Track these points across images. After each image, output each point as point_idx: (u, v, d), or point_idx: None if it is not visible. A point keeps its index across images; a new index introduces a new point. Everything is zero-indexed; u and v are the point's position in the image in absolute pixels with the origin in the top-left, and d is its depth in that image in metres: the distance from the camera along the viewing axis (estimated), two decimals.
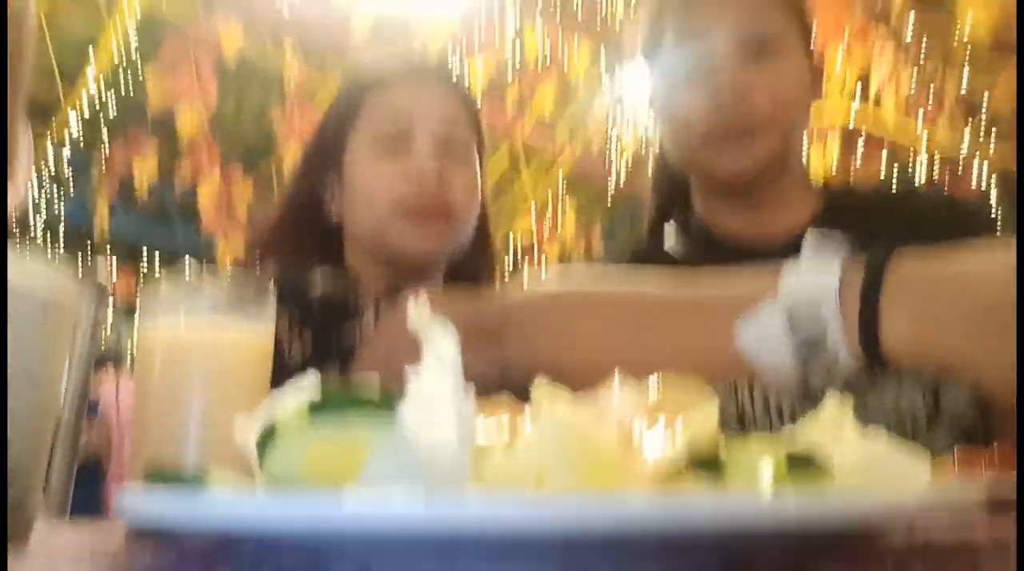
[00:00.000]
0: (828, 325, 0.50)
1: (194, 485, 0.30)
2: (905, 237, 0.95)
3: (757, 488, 0.26)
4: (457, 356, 0.28)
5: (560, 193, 8.96)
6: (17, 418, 0.40)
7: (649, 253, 1.07)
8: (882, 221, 0.97)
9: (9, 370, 0.40)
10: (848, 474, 0.30)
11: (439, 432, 0.27)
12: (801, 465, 0.27)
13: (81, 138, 6.72)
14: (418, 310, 0.29)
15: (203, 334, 0.53)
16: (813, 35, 1.04)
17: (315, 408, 0.28)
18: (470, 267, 1.06)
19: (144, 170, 6.82)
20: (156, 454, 0.52)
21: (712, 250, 1.00)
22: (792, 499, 0.24)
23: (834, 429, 0.34)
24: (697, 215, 1.04)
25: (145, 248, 10.13)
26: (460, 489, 0.25)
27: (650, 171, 1.16)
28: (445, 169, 0.93)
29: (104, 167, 7.08)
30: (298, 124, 6.50)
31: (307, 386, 0.32)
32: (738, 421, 0.85)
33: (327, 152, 0.98)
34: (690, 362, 0.58)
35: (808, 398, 0.81)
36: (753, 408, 0.85)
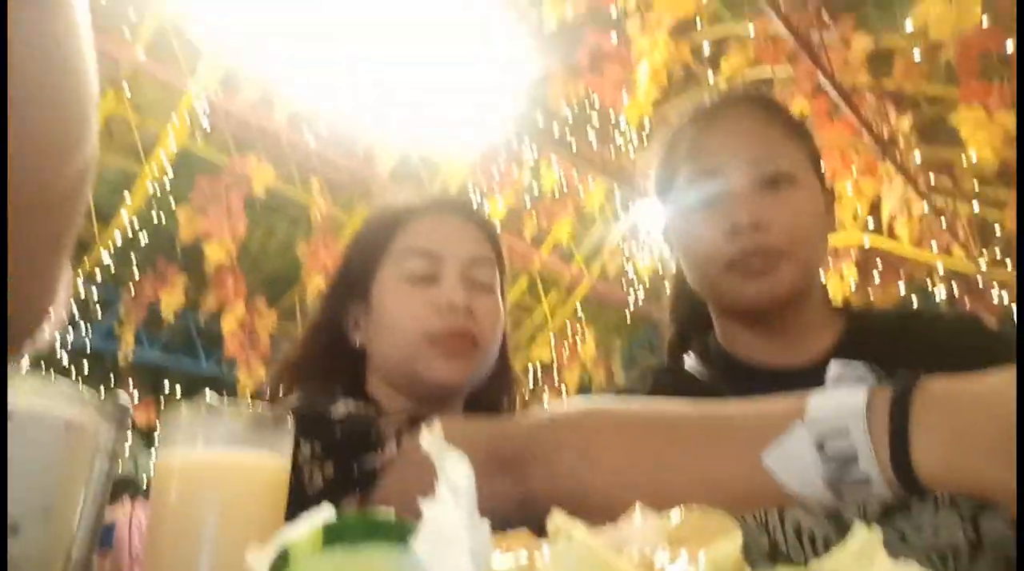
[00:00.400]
0: (858, 449, 0.49)
1: None
2: (928, 360, 0.94)
3: None
4: (471, 486, 0.27)
5: (578, 318, 9.01)
6: (30, 548, 0.40)
7: (670, 375, 1.07)
8: (905, 344, 0.96)
9: (27, 496, 0.40)
10: None
11: (453, 563, 0.26)
12: None
13: (112, 270, 6.93)
14: (432, 438, 0.29)
15: (219, 462, 0.53)
16: (822, 167, 1.05)
17: (328, 535, 0.28)
18: (490, 395, 1.05)
19: (171, 300, 6.98)
20: None
21: (734, 376, 0.99)
22: None
23: (863, 559, 0.32)
24: (718, 342, 1.04)
25: (167, 377, 10.20)
26: None
27: (667, 298, 1.17)
28: (472, 301, 0.95)
29: (132, 297, 7.25)
30: (323, 257, 6.68)
31: (322, 517, 0.32)
32: (770, 554, 0.82)
33: (354, 281, 1.00)
34: (716, 486, 0.57)
35: (841, 527, 0.79)
36: (785, 538, 0.82)
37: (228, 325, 7.05)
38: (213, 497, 0.52)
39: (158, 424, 0.58)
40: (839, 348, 0.98)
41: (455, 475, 0.28)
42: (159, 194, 6.18)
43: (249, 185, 6.02)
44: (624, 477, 0.51)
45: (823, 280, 1.10)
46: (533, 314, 8.59)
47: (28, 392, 0.41)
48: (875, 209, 5.20)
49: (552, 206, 7.30)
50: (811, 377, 0.94)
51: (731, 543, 0.29)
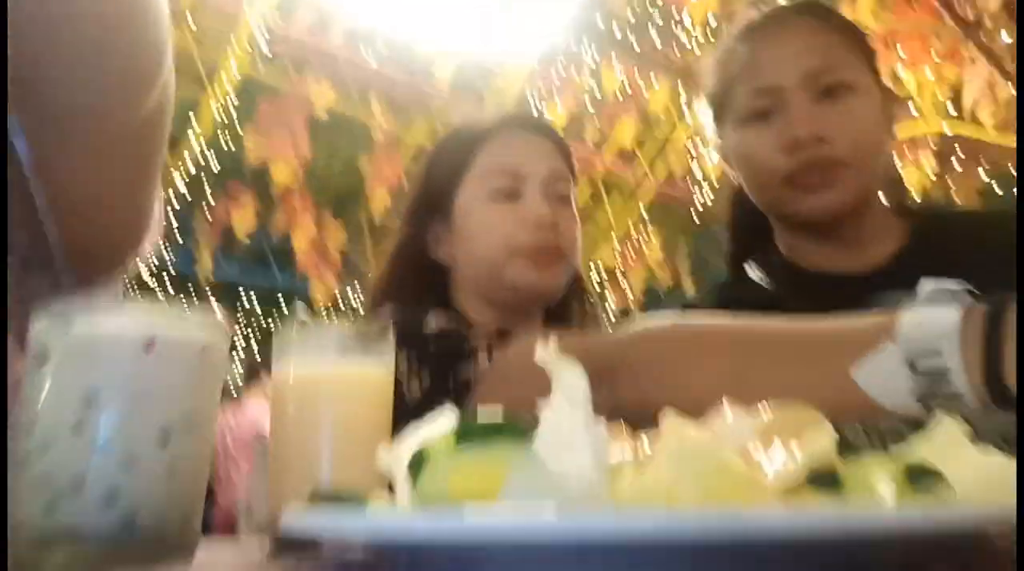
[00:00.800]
0: (951, 368, 0.51)
1: (357, 504, 0.34)
2: (994, 259, 0.93)
3: (876, 499, 0.28)
4: (587, 391, 0.30)
5: (643, 220, 8.92)
6: (183, 454, 0.45)
7: (736, 286, 1.09)
8: (971, 245, 0.95)
9: (175, 409, 0.45)
10: (963, 487, 0.31)
11: (574, 457, 0.30)
12: (919, 476, 0.29)
13: (186, 196, 7.15)
14: (548, 351, 0.32)
15: (331, 373, 0.58)
16: (877, 67, 1.03)
17: (460, 436, 0.32)
18: (563, 306, 1.09)
19: (243, 221, 7.19)
20: (293, 480, 0.56)
21: (799, 285, 1.00)
22: (912, 507, 0.26)
23: (949, 446, 0.35)
24: (780, 252, 1.05)
25: (245, 294, 10.60)
26: (597, 505, 0.28)
27: (728, 211, 1.17)
28: (554, 212, 0.99)
29: (207, 220, 7.50)
30: (386, 173, 6.75)
31: (447, 419, 0.35)
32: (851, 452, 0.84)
33: (435, 200, 1.04)
34: (803, 399, 0.59)
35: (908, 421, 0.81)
36: (869, 440, 0.85)
37: (299, 242, 7.26)
38: (327, 406, 0.57)
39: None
40: (904, 252, 0.99)
41: (571, 383, 0.31)
42: (225, 120, 6.29)
43: (310, 107, 6.07)
44: (711, 392, 0.54)
45: (900, 173, 1.07)
46: (597, 218, 8.54)
47: (169, 321, 0.46)
48: (957, 96, 4.93)
49: (615, 109, 7.14)
50: (876, 282, 0.95)
51: (824, 435, 0.31)
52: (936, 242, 0.98)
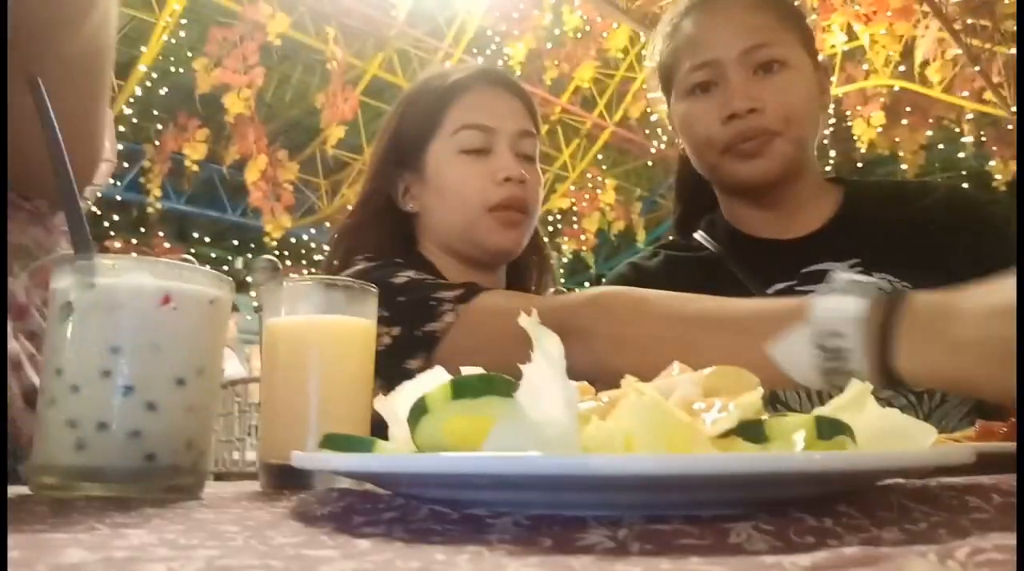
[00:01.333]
0: (850, 348, 0.60)
1: (365, 448, 0.40)
2: (918, 231, 1.02)
3: (791, 446, 0.35)
4: (562, 354, 0.37)
5: (599, 165, 8.94)
6: (197, 396, 0.50)
7: (679, 247, 1.17)
8: (897, 216, 1.05)
9: (187, 358, 0.50)
10: (868, 439, 0.39)
11: (551, 408, 0.36)
12: (829, 428, 0.36)
13: (134, 122, 6.94)
14: (529, 317, 0.38)
15: (323, 322, 0.63)
16: (816, 47, 1.11)
17: (456, 389, 0.38)
18: (523, 258, 1.15)
19: (193, 152, 7.03)
20: (284, 421, 0.62)
21: (740, 249, 1.09)
22: (819, 453, 0.33)
23: (856, 405, 0.42)
24: (724, 218, 1.14)
25: (194, 227, 10.40)
26: (572, 451, 0.34)
27: (676, 176, 1.25)
28: (522, 170, 1.04)
29: (156, 149, 7.31)
30: (341, 107, 6.62)
31: (438, 377, 0.42)
32: (770, 400, 0.94)
33: (405, 152, 1.07)
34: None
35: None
36: (784, 390, 0.95)
37: (251, 176, 7.14)
38: (317, 354, 0.62)
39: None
40: (836, 220, 1.08)
41: (549, 346, 0.37)
42: (175, 45, 6.07)
43: (263, 34, 5.90)
44: (650, 357, 0.61)
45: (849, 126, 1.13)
46: (553, 162, 8.55)
47: (181, 275, 0.51)
48: (908, 54, 5.05)
49: (574, 49, 7.10)
50: (809, 248, 1.06)
51: (755, 394, 0.38)
52: (864, 211, 1.06)
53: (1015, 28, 5.00)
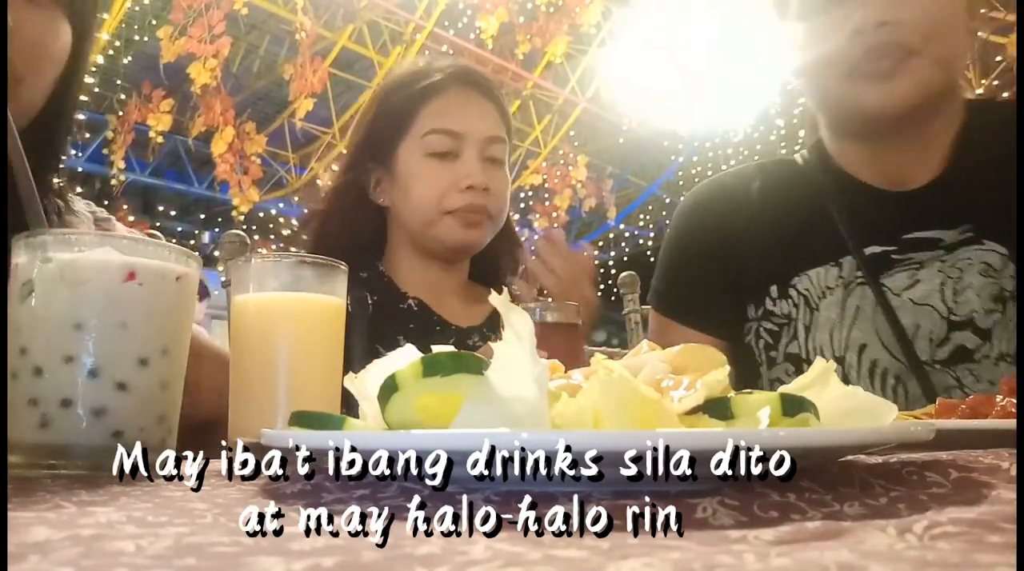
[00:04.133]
0: None
1: (335, 425, 0.40)
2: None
3: (754, 422, 0.35)
4: (532, 333, 0.37)
5: (571, 142, 8.92)
6: (163, 372, 0.50)
7: (782, 171, 1.01)
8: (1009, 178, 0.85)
9: (153, 336, 0.50)
10: (831, 416, 0.40)
11: (520, 385, 0.36)
12: (792, 405, 0.36)
13: (97, 91, 6.76)
14: (500, 297, 0.38)
15: (292, 299, 0.62)
16: None
17: (427, 367, 0.38)
18: (493, 255, 1.18)
19: (158, 123, 6.88)
20: (255, 396, 0.61)
21: (844, 193, 0.95)
22: (782, 429, 0.34)
23: (819, 383, 0.43)
24: (827, 151, 0.99)
25: (159, 200, 10.21)
26: (541, 427, 0.34)
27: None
28: (488, 178, 1.06)
29: (119, 119, 7.14)
30: (309, 79, 6.52)
31: (407, 355, 0.42)
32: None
33: (378, 150, 1.10)
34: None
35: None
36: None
37: (218, 148, 7.01)
38: (285, 331, 0.62)
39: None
40: (952, 168, 0.92)
41: (520, 325, 0.37)
42: (138, 12, 5.92)
43: (230, 2, 5.77)
44: None
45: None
46: (525, 138, 8.52)
47: (149, 252, 0.50)
48: None
49: (546, 23, 7.05)
50: (918, 206, 0.90)
51: (722, 372, 0.39)
52: (983, 154, 0.91)
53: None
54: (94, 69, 6.27)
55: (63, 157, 0.82)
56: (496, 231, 1.11)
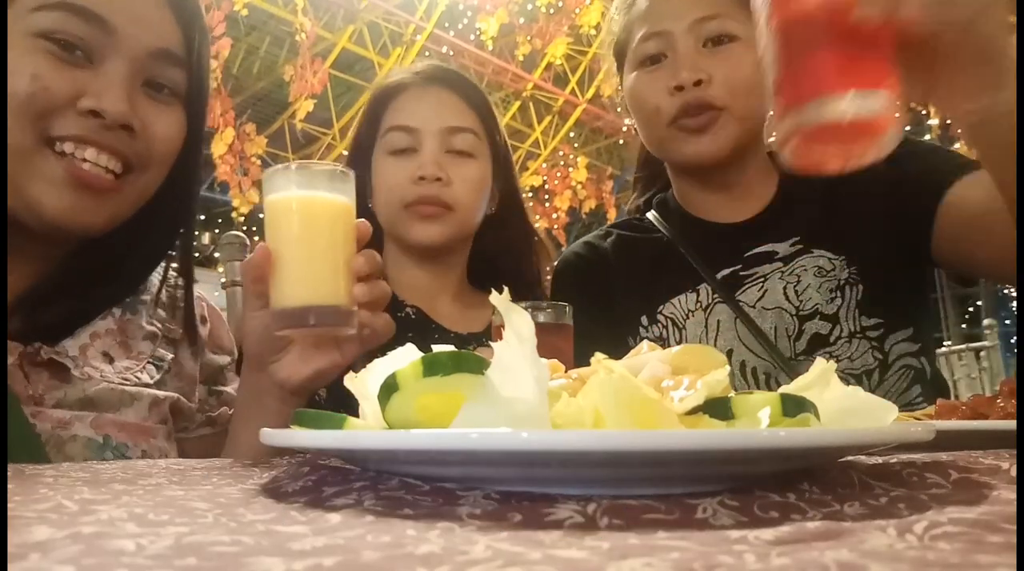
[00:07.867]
0: None
1: (335, 425, 0.40)
2: (858, 209, 1.01)
3: (754, 423, 0.35)
4: (532, 332, 0.37)
5: (571, 143, 8.93)
6: None
7: (634, 228, 1.18)
8: (838, 196, 1.04)
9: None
10: (831, 416, 0.40)
11: (521, 385, 0.36)
12: (793, 405, 0.36)
13: None
14: (501, 297, 0.38)
15: (313, 198, 0.68)
16: None
17: (427, 366, 0.38)
18: (511, 257, 1.18)
19: None
20: (293, 278, 0.67)
21: (688, 231, 1.10)
22: (781, 430, 0.34)
23: (821, 383, 0.43)
24: (675, 198, 1.15)
25: None
26: (541, 427, 0.34)
27: (637, 160, 1.26)
28: (448, 169, 1.06)
29: None
30: (309, 80, 6.52)
31: (410, 354, 0.42)
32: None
33: (362, 154, 1.12)
34: None
35: (786, 366, 0.96)
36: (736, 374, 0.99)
37: (218, 149, 7.01)
38: (311, 222, 0.68)
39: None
40: (777, 200, 1.08)
41: (520, 325, 0.37)
42: None
43: (230, 3, 5.77)
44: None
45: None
46: (525, 140, 8.53)
47: None
48: None
49: (547, 25, 7.06)
50: (753, 230, 1.07)
51: (722, 372, 0.39)
52: (801, 186, 1.05)
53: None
54: None
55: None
56: (464, 224, 1.10)
